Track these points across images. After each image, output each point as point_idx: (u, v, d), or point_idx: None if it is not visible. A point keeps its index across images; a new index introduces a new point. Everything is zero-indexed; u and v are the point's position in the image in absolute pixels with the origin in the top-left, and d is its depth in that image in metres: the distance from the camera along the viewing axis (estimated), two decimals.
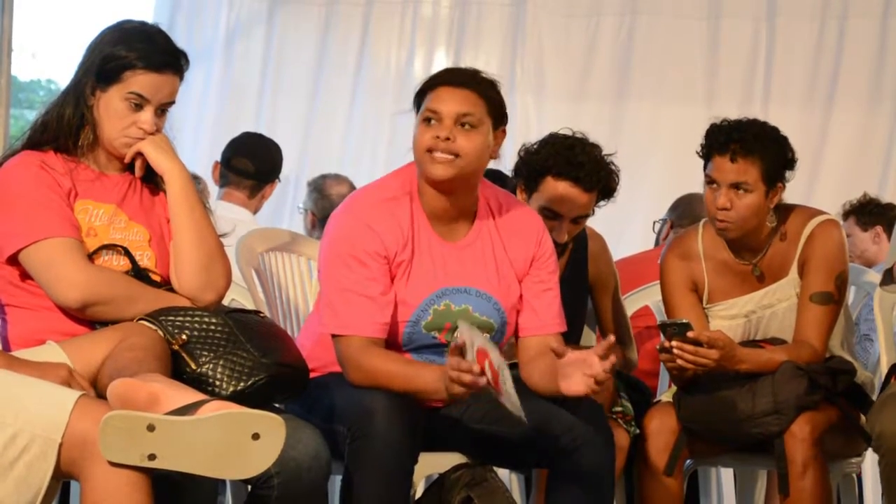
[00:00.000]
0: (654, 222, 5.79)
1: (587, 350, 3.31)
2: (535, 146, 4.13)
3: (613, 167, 4.12)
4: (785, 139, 3.96)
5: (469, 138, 3.46)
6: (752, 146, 3.88)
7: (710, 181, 3.93)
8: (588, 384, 3.26)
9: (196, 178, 5.82)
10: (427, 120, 3.48)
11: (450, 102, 3.47)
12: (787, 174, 3.96)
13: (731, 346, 3.79)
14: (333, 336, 3.49)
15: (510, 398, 3.16)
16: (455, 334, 3.27)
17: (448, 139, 3.44)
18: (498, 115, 3.54)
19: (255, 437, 2.65)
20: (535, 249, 3.64)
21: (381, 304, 3.47)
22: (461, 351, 3.21)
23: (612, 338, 3.33)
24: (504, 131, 3.57)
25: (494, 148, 3.55)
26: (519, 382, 3.59)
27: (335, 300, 3.49)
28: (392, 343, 3.51)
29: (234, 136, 5.76)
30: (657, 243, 5.69)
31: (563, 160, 4.05)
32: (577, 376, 3.28)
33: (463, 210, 3.58)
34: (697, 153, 3.98)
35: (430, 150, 3.46)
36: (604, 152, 4.13)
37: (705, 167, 3.96)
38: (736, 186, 3.88)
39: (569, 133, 4.13)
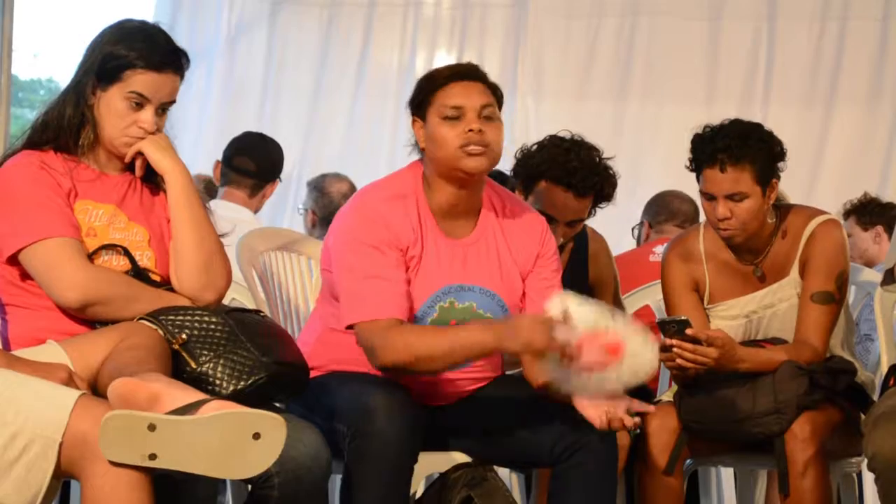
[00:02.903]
0: (633, 228, 5.83)
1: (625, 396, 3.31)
2: (532, 148, 4.14)
3: (610, 172, 4.12)
4: (770, 134, 3.94)
5: (494, 129, 3.48)
6: (739, 152, 3.85)
7: (705, 195, 3.92)
8: (602, 421, 3.27)
9: (199, 179, 5.83)
10: (451, 118, 3.46)
11: (471, 96, 3.48)
12: (780, 166, 3.95)
13: (730, 344, 3.79)
14: (356, 326, 3.43)
15: (584, 384, 3.19)
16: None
17: (481, 131, 3.44)
18: (500, 105, 3.55)
19: (256, 436, 2.64)
20: (539, 247, 3.64)
21: (402, 289, 3.45)
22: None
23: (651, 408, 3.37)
24: (502, 124, 3.58)
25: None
26: (521, 382, 3.60)
27: (359, 289, 3.44)
28: None
29: (235, 136, 5.76)
30: (638, 244, 5.72)
31: (558, 165, 4.06)
32: (599, 406, 3.29)
33: (469, 207, 3.58)
34: (687, 167, 3.96)
35: (462, 146, 3.45)
36: (603, 155, 4.13)
37: (697, 180, 3.94)
38: (732, 196, 3.87)
39: (567, 136, 4.13)
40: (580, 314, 3.22)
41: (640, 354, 3.22)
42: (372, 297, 3.43)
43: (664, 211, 5.66)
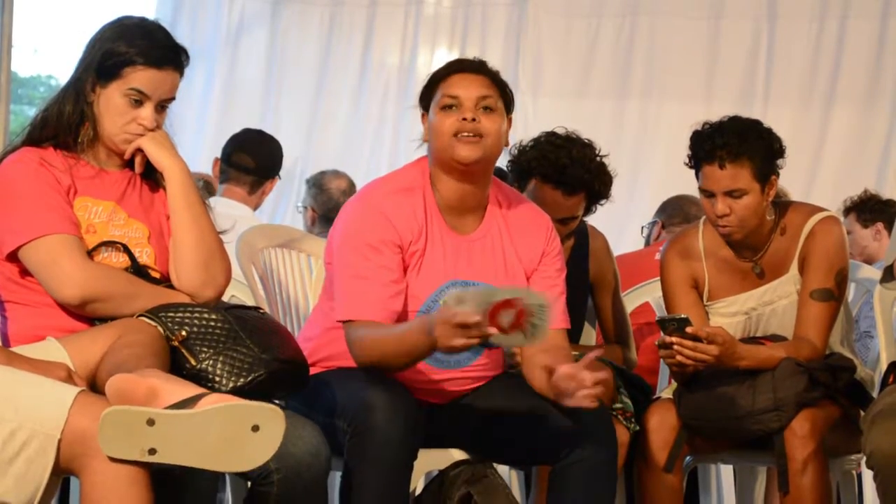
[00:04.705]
0: (643, 227, 5.83)
1: (575, 366, 3.31)
2: (527, 145, 4.14)
3: (603, 169, 4.11)
4: (769, 131, 3.95)
5: (492, 120, 3.50)
6: (738, 149, 3.86)
7: (704, 192, 3.92)
8: (590, 399, 3.27)
9: (198, 178, 5.83)
10: (447, 107, 3.50)
11: (469, 87, 3.51)
12: (779, 163, 3.96)
13: (730, 342, 3.79)
14: (344, 323, 3.49)
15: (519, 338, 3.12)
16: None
17: (474, 120, 3.46)
18: (508, 101, 3.58)
19: (255, 428, 2.65)
20: (544, 246, 3.65)
21: (392, 291, 3.47)
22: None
23: (594, 354, 3.36)
24: (511, 120, 3.59)
25: (505, 135, 3.57)
26: (521, 379, 3.60)
27: (347, 287, 3.48)
28: None
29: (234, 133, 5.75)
30: (647, 244, 5.71)
31: (548, 162, 4.06)
32: (578, 393, 3.28)
33: (475, 202, 3.59)
34: (686, 164, 3.96)
35: (455, 134, 3.47)
36: (599, 153, 4.12)
37: (696, 177, 3.95)
38: (731, 193, 3.87)
39: (562, 132, 4.13)
40: (471, 296, 3.16)
41: (538, 297, 3.17)
42: (357, 297, 3.46)
43: (679, 214, 5.66)
